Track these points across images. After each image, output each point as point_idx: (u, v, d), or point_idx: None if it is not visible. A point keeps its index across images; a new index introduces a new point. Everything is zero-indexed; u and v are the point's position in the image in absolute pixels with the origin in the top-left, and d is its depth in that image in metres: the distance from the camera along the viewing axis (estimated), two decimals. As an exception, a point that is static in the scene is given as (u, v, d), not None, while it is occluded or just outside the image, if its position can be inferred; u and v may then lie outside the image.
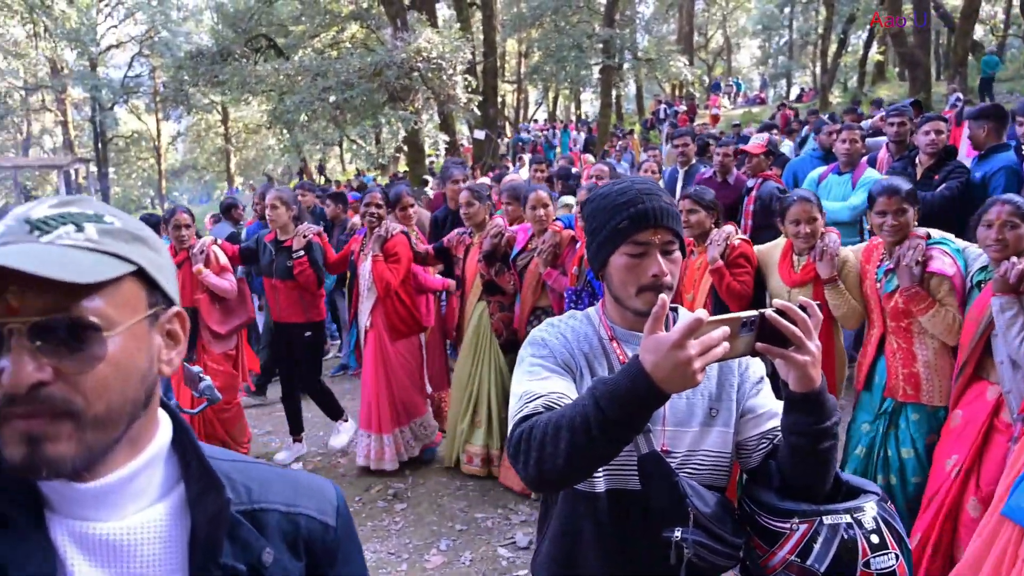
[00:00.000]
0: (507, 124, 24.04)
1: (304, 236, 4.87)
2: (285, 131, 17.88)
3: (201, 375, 2.44)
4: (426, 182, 13.13)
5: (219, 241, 5.11)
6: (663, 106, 19.87)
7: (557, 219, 4.50)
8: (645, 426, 1.30)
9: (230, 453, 0.96)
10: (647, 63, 19.15)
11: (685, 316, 1.48)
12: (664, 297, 1.18)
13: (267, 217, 4.92)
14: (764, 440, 1.47)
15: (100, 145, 31.42)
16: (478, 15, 21.41)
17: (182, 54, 18.81)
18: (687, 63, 20.79)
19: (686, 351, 1.09)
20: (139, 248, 0.81)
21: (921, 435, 3.12)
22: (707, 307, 3.78)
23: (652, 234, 1.41)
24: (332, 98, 15.43)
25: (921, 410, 3.13)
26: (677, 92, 24.74)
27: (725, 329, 1.13)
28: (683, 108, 19.37)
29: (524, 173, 12.95)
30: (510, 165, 15.99)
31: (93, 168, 30.53)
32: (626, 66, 19.64)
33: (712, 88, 27.59)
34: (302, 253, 4.82)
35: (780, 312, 1.23)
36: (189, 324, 0.89)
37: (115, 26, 32.28)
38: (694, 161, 6.78)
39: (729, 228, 3.87)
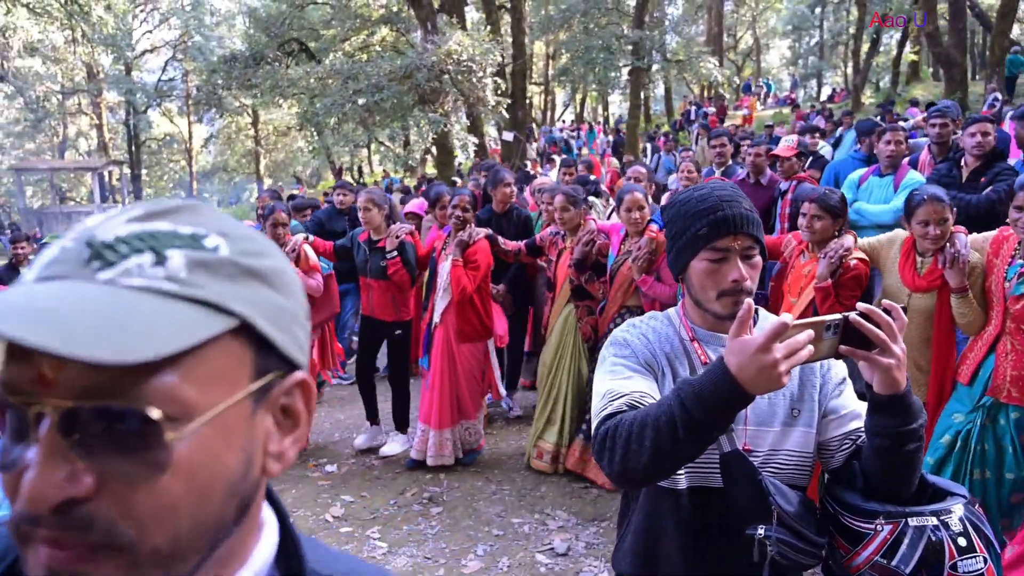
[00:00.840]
0: (534, 126, 23.99)
1: (396, 236, 4.94)
2: (315, 133, 17.98)
3: None
4: (454, 183, 13.14)
5: (311, 239, 5.26)
6: (693, 107, 19.73)
7: (652, 220, 4.43)
8: (729, 427, 1.32)
9: (337, 556, 0.72)
10: (677, 64, 19.02)
11: (766, 319, 1.50)
12: (750, 302, 1.20)
13: (360, 219, 5.04)
14: (847, 441, 1.47)
15: (133, 147, 31.95)
16: (506, 18, 21.41)
17: (215, 58, 19.08)
18: (716, 64, 20.60)
19: (771, 354, 1.11)
20: (252, 288, 0.55)
21: (1020, 432, 3.02)
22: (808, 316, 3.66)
23: (732, 240, 1.43)
24: (362, 101, 15.51)
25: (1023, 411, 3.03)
26: (706, 93, 24.55)
27: (810, 332, 1.14)
28: (713, 109, 19.21)
29: (555, 175, 12.96)
30: (536, 167, 15.94)
31: (126, 170, 30.99)
32: (655, 67, 19.53)
33: (743, 89, 27.35)
34: (395, 253, 4.91)
35: (864, 315, 1.22)
36: (316, 394, 0.63)
37: (150, 31, 32.80)
38: (730, 162, 6.73)
39: (848, 241, 3.57)
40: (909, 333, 3.08)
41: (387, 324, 5.13)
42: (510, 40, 19.46)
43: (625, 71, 19.22)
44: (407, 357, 5.35)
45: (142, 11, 31.91)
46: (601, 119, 32.71)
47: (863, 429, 1.38)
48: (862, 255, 3.54)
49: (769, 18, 39.84)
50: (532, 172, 12.25)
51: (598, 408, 1.42)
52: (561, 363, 4.75)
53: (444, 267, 4.82)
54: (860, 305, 1.24)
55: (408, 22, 19.29)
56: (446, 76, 15.70)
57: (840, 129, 11.43)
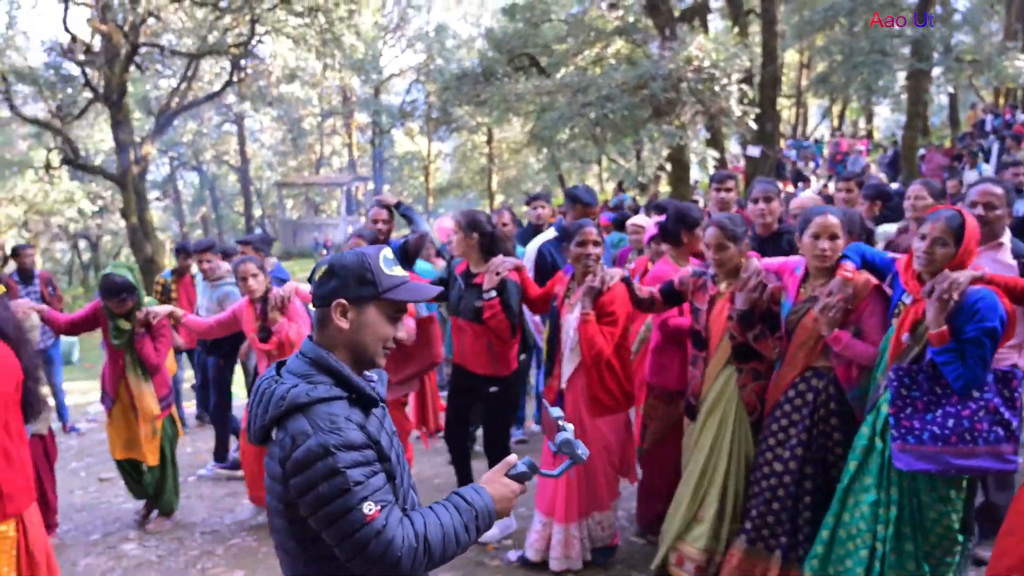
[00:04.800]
0: (781, 140, 21.64)
1: (497, 273, 4.04)
2: (544, 149, 17.48)
3: (563, 422, 1.87)
4: (695, 202, 11.62)
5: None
6: (988, 116, 16.37)
7: (844, 256, 3.21)
8: None
9: None
10: (971, 64, 15.83)
11: None
12: None
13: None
14: None
15: (377, 164, 33.80)
16: (752, 27, 19.45)
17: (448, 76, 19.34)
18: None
19: None
20: None
21: None
22: None
23: None
24: (592, 114, 14.48)
25: None
26: (1003, 99, 20.58)
27: None
28: (1022, 118, 15.66)
29: (809, 193, 11.38)
30: (787, 185, 14.04)
31: (371, 185, 32.81)
32: (936, 70, 16.49)
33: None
34: (494, 294, 4.03)
35: None
36: None
37: (396, 56, 34.71)
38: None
39: None
40: None
41: (481, 378, 4.26)
42: (757, 50, 17.49)
43: (901, 76, 16.42)
44: (506, 420, 4.48)
45: (391, 37, 33.76)
46: (864, 131, 29.10)
47: None
48: None
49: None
50: (784, 189, 10.48)
51: None
52: (719, 444, 3.58)
53: (570, 319, 3.81)
54: None
55: (645, 33, 18.07)
56: (684, 85, 14.24)
57: None
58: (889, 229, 4.91)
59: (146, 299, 4.59)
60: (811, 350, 3.28)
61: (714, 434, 3.61)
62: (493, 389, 4.26)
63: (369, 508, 1.61)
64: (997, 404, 2.75)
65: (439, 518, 1.71)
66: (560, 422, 1.87)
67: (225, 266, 6.19)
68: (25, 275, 7.48)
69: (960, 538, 2.90)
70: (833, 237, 3.21)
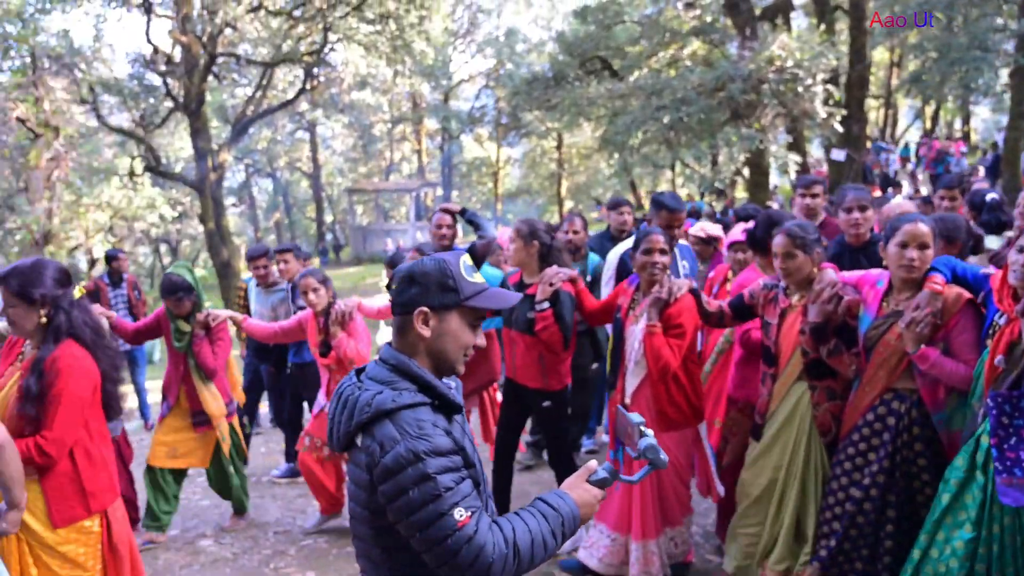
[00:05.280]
0: (868, 143, 20.57)
1: (551, 284, 3.90)
2: (615, 154, 17.05)
3: (645, 427, 1.84)
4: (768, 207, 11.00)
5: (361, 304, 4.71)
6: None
7: (934, 267, 3.01)
8: None
9: None
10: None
11: None
12: None
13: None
14: None
15: (446, 170, 33.85)
16: (839, 25, 18.52)
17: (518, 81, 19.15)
18: None
19: None
20: None
21: None
22: None
23: None
24: (666, 118, 13.92)
25: None
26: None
27: None
28: None
29: (899, 199, 10.74)
30: (875, 190, 13.22)
31: (440, 192, 32.88)
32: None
33: None
34: (547, 305, 3.90)
35: None
36: None
37: (466, 62, 34.73)
38: None
39: None
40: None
41: (533, 392, 4.14)
42: (843, 49, 16.60)
43: (1003, 73, 15.29)
44: (563, 432, 4.31)
45: (460, 43, 33.77)
46: (959, 133, 27.52)
47: None
48: None
49: None
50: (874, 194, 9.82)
51: None
52: (791, 466, 3.40)
53: (635, 331, 3.67)
54: None
55: (723, 32, 17.40)
56: (765, 86, 13.53)
57: None
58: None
59: (207, 303, 4.62)
60: (893, 369, 3.07)
61: (783, 454, 3.43)
62: (546, 404, 4.14)
63: (460, 514, 1.60)
64: None
65: (527, 524, 1.70)
66: (642, 428, 1.84)
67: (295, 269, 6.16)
68: (115, 278, 7.93)
69: None
70: (923, 247, 2.98)
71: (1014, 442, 2.56)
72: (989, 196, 4.76)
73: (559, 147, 32.02)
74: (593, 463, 1.83)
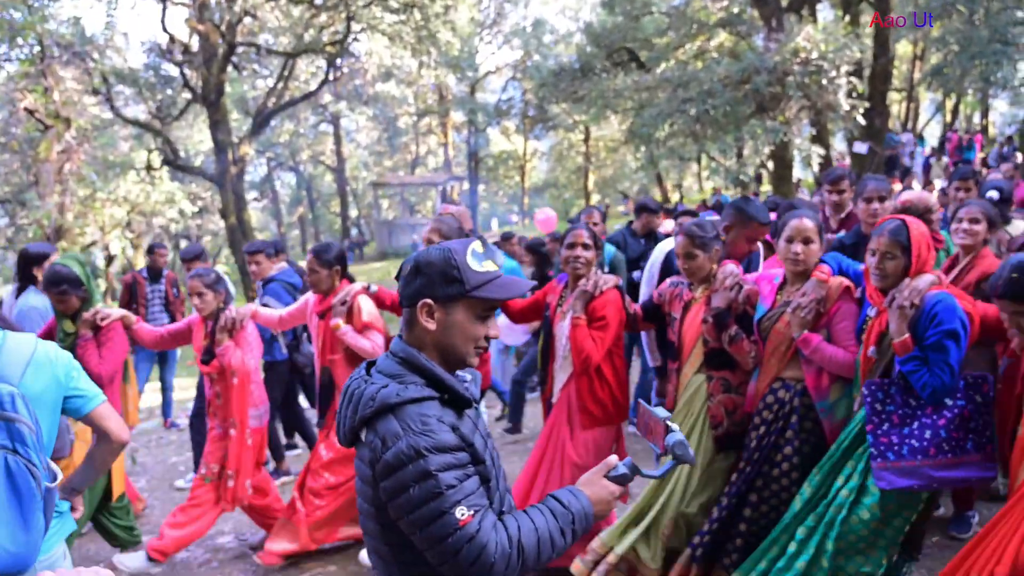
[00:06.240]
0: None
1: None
2: (642, 147, 17.09)
3: (671, 423, 1.79)
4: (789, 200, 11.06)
5: (372, 288, 4.24)
6: None
7: (823, 260, 3.25)
8: None
9: None
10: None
11: None
12: None
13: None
14: None
15: (473, 164, 33.94)
16: (864, 17, 18.40)
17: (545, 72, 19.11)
18: None
19: None
20: None
21: None
22: None
23: None
24: (692, 110, 13.99)
25: None
26: None
27: None
28: None
29: (915, 190, 10.75)
30: (895, 182, 13.14)
31: (466, 185, 32.97)
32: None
33: None
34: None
35: None
36: None
37: (493, 53, 34.67)
38: None
39: None
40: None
41: None
42: (867, 42, 16.54)
43: (1021, 66, 15.14)
44: None
45: (487, 33, 33.80)
46: (979, 127, 27.19)
47: None
48: None
49: None
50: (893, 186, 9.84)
51: None
52: None
53: (563, 327, 3.74)
54: None
55: (750, 24, 17.38)
56: (790, 79, 13.54)
57: None
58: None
59: (99, 301, 4.07)
60: (782, 357, 3.24)
61: None
62: None
63: (462, 513, 1.57)
64: (971, 411, 2.73)
65: (534, 522, 1.67)
66: (668, 423, 1.78)
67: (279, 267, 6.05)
68: (155, 274, 7.56)
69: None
70: (807, 241, 3.18)
71: (887, 427, 2.78)
72: (989, 193, 4.91)
73: (586, 140, 31.99)
74: (614, 458, 1.81)
